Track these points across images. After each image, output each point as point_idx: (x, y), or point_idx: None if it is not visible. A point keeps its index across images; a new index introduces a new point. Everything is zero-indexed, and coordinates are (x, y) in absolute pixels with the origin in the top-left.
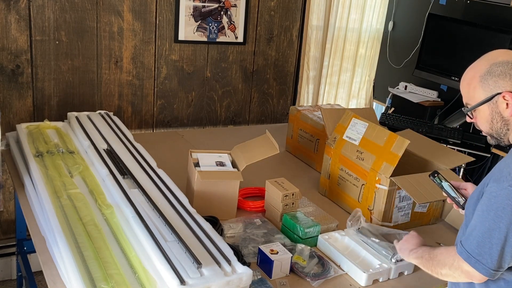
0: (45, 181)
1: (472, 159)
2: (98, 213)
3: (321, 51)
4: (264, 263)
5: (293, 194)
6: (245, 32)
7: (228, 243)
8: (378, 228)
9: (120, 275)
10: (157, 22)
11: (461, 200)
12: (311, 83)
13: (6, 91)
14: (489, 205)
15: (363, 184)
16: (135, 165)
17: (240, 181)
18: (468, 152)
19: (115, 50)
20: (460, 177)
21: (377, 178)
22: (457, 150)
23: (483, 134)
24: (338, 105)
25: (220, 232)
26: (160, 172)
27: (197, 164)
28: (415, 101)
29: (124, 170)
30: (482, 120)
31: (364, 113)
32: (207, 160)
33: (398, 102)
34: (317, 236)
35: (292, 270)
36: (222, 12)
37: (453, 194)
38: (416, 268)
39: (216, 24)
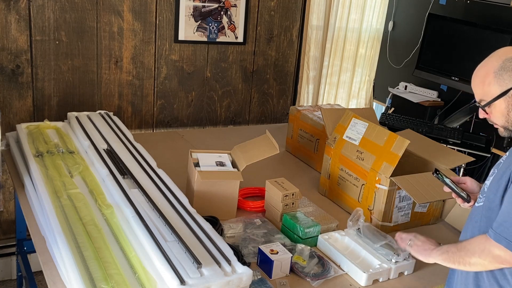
0: (45, 181)
1: (472, 159)
2: (98, 213)
3: (321, 51)
4: (264, 263)
5: (293, 194)
6: (245, 32)
7: (228, 243)
8: (375, 231)
9: (120, 275)
10: (157, 22)
11: (465, 194)
12: (311, 83)
13: (6, 91)
14: None
15: (363, 184)
16: (135, 165)
17: (240, 181)
18: (468, 152)
19: (115, 50)
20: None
21: (377, 178)
22: (457, 150)
23: (497, 127)
24: (338, 105)
25: (220, 232)
26: (160, 172)
27: (197, 164)
28: (415, 101)
29: (124, 170)
30: (498, 114)
31: (364, 113)
32: (207, 160)
33: (398, 102)
34: (317, 236)
35: (292, 270)
36: (222, 12)
37: (456, 189)
38: (416, 268)
39: (216, 24)
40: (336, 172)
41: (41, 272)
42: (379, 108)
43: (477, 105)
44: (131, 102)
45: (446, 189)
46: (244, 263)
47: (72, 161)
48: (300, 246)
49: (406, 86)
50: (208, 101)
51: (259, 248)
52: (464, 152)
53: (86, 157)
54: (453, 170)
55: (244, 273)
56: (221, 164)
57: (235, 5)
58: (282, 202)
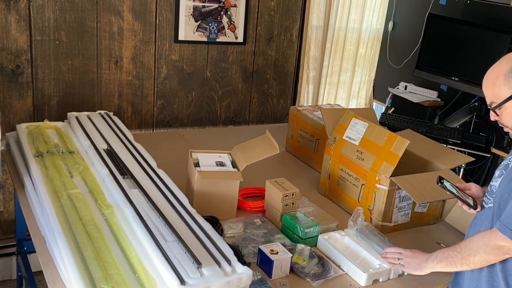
0: (45, 181)
1: (472, 159)
2: (98, 213)
3: (321, 51)
4: (264, 263)
5: (293, 194)
6: (245, 32)
7: (228, 243)
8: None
9: (120, 275)
10: (157, 22)
11: (471, 201)
12: (311, 83)
13: (6, 91)
14: None
15: (363, 184)
16: (135, 165)
17: (240, 181)
18: (468, 152)
19: (115, 50)
20: (460, 177)
21: (377, 178)
22: (457, 150)
23: (507, 130)
24: (338, 105)
25: (220, 232)
26: (160, 172)
27: (197, 164)
28: (415, 101)
29: (124, 170)
30: (509, 116)
31: (364, 113)
32: (207, 160)
33: (398, 102)
34: (317, 236)
35: (292, 270)
36: (222, 12)
37: (462, 197)
38: None
39: (216, 24)
40: (336, 172)
41: (41, 272)
42: (379, 108)
43: (488, 107)
44: (131, 102)
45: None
46: (244, 263)
47: (72, 161)
48: (300, 246)
49: (406, 86)
50: (208, 101)
51: (259, 248)
52: (464, 152)
53: (86, 157)
54: (453, 170)
55: (244, 273)
56: (221, 164)
57: (235, 5)
58: (282, 202)
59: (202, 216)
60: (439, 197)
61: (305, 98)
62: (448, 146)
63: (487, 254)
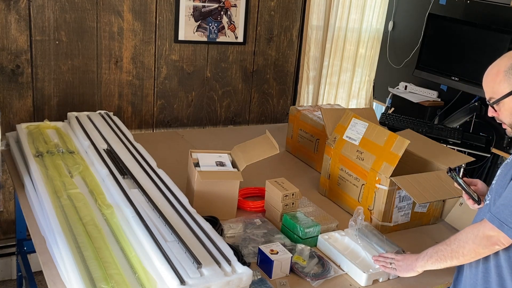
0: (45, 181)
1: (472, 159)
2: (98, 213)
3: (321, 51)
4: (264, 263)
5: (293, 194)
6: (245, 32)
7: (228, 243)
8: (374, 232)
9: (120, 275)
10: (157, 22)
11: (476, 196)
12: (311, 83)
13: (6, 91)
14: None
15: (363, 184)
16: (135, 165)
17: (240, 181)
18: (468, 152)
19: (115, 50)
20: (460, 177)
21: (377, 178)
22: (457, 150)
23: (505, 127)
24: (338, 105)
25: (220, 232)
26: (160, 172)
27: (197, 164)
28: (415, 101)
29: (124, 170)
30: (506, 112)
31: (364, 113)
32: (207, 160)
33: (398, 102)
34: (317, 236)
35: (292, 270)
36: (222, 12)
37: (468, 190)
38: None
39: (216, 24)
40: (336, 172)
41: (41, 272)
42: (379, 108)
43: (487, 103)
44: (131, 102)
45: (457, 186)
46: (244, 263)
47: (72, 161)
48: (300, 246)
49: (406, 86)
50: (208, 101)
51: (259, 248)
52: (464, 152)
53: (86, 157)
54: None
55: (244, 273)
56: (221, 164)
57: (235, 5)
58: (282, 202)
59: (202, 216)
60: (439, 197)
61: (305, 98)
62: (448, 146)
63: (476, 245)
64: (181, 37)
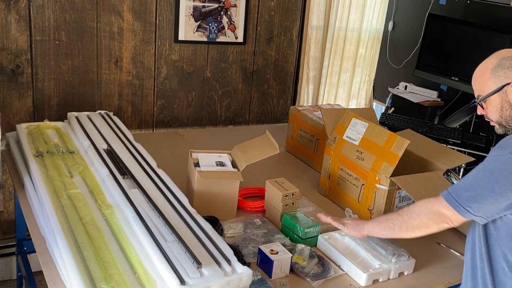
0: (45, 181)
1: (472, 159)
2: (98, 213)
3: (321, 51)
4: (264, 263)
5: (293, 194)
6: (245, 32)
7: (228, 243)
8: None
9: (120, 275)
10: (157, 22)
11: None
12: (311, 83)
13: (6, 91)
14: (486, 166)
15: (363, 184)
16: (135, 165)
17: (240, 181)
18: (468, 152)
19: (115, 50)
20: (460, 177)
21: (377, 178)
22: (457, 150)
23: (493, 124)
24: (338, 105)
25: (220, 232)
26: (160, 172)
27: (197, 164)
28: (415, 101)
29: (124, 170)
30: (493, 109)
31: (364, 113)
32: (207, 160)
33: (398, 102)
34: (317, 236)
35: (292, 270)
36: (222, 12)
37: None
38: (416, 268)
39: (216, 24)
40: (336, 172)
41: (41, 272)
42: (379, 108)
43: (475, 100)
44: (131, 102)
45: None
46: (244, 263)
47: (72, 161)
48: (300, 246)
49: (406, 86)
50: (208, 101)
51: (259, 248)
52: (464, 152)
53: (86, 157)
54: (453, 170)
55: (244, 273)
56: (221, 164)
57: (235, 5)
58: (282, 202)
59: (202, 216)
60: None
61: (305, 98)
62: (448, 146)
63: (427, 219)
64: (181, 37)
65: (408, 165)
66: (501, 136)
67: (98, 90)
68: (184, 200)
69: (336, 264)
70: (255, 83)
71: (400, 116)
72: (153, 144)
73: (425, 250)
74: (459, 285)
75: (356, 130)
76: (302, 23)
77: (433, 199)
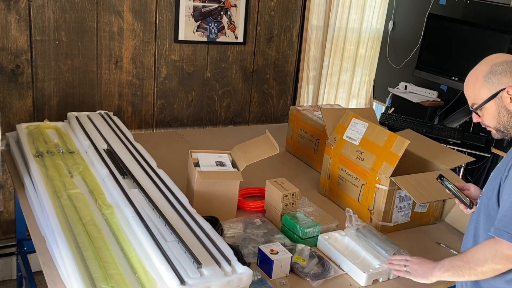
0: (45, 181)
1: (472, 159)
2: (98, 213)
3: (321, 51)
4: (264, 263)
5: (293, 194)
6: (245, 32)
7: (228, 243)
8: (373, 232)
9: (120, 275)
10: (157, 22)
11: (468, 200)
12: (311, 83)
13: (6, 91)
14: None
15: (363, 184)
16: (135, 165)
17: (240, 181)
18: (468, 152)
19: (115, 50)
20: (460, 177)
21: (377, 178)
22: (457, 150)
23: (489, 130)
24: (338, 105)
25: (220, 232)
26: (160, 172)
27: (197, 164)
28: (415, 101)
29: (124, 170)
30: (490, 116)
31: (364, 113)
32: (207, 160)
33: (398, 102)
34: (317, 236)
35: (292, 270)
36: (222, 12)
37: (460, 195)
38: None
39: (216, 24)
40: (336, 172)
41: (41, 272)
42: (379, 108)
43: (471, 109)
44: (131, 102)
45: (449, 192)
46: (244, 263)
47: (72, 161)
48: (300, 246)
49: (406, 86)
50: (208, 101)
51: (259, 248)
52: (464, 152)
53: (86, 157)
54: (453, 170)
55: (244, 273)
56: (221, 164)
57: (235, 5)
58: (282, 202)
59: (202, 216)
60: (439, 197)
61: (305, 98)
62: (448, 146)
63: (496, 264)
64: (181, 37)
65: (408, 165)
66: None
67: (98, 90)
68: (184, 200)
69: (336, 264)
70: (255, 83)
71: (400, 116)
72: (153, 144)
73: (425, 250)
74: None
75: (356, 130)
76: (302, 23)
77: (493, 242)
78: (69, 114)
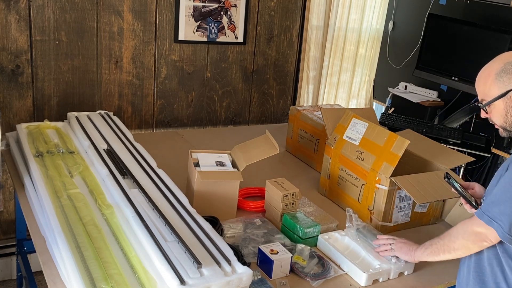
0: (45, 181)
1: (472, 159)
2: (98, 213)
3: (321, 51)
4: (264, 263)
5: (293, 194)
6: (245, 32)
7: (228, 243)
8: (373, 232)
9: (120, 275)
10: (157, 22)
11: (473, 201)
12: (311, 83)
13: (6, 91)
14: None
15: (363, 184)
16: (135, 165)
17: (240, 181)
18: (468, 152)
19: (115, 50)
20: (460, 177)
21: (377, 178)
22: (457, 150)
23: (497, 127)
24: (338, 105)
25: (220, 232)
26: (160, 172)
27: (197, 164)
28: (415, 101)
29: (124, 170)
30: (497, 114)
31: (364, 113)
32: (207, 160)
33: (398, 102)
34: (317, 236)
35: (292, 270)
36: (222, 12)
37: (465, 195)
38: (416, 268)
39: (216, 24)
40: (336, 172)
41: (41, 272)
42: (379, 108)
43: (479, 104)
44: (131, 102)
45: (454, 191)
46: (244, 263)
47: (72, 161)
48: (300, 246)
49: (406, 86)
50: (208, 101)
51: (259, 248)
52: (464, 152)
53: (86, 157)
54: (453, 170)
55: (244, 273)
56: (221, 164)
57: (235, 5)
58: (282, 202)
59: (202, 216)
60: (439, 197)
61: (305, 98)
62: (448, 146)
63: (465, 240)
64: (181, 37)
65: (408, 165)
66: (501, 137)
67: (98, 90)
68: (184, 200)
69: (336, 264)
70: (255, 83)
71: (400, 116)
72: (153, 144)
73: None
74: None
75: (356, 130)
76: (302, 23)
77: (468, 220)
78: (69, 114)
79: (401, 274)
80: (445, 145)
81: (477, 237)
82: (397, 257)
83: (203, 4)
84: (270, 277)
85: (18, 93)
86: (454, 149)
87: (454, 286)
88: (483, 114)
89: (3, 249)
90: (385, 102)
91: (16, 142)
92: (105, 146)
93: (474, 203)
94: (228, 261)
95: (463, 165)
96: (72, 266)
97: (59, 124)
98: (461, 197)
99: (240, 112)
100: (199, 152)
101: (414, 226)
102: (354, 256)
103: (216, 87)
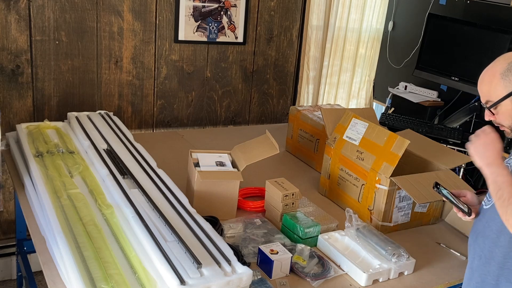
0: (45, 181)
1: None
2: (98, 213)
3: (321, 51)
4: (264, 263)
5: (293, 194)
6: (245, 32)
7: (228, 243)
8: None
9: (120, 275)
10: (157, 22)
11: (465, 208)
12: (311, 83)
13: (6, 91)
14: None
15: (363, 184)
16: (135, 165)
17: (240, 181)
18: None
19: (115, 50)
20: (460, 177)
21: (377, 178)
22: (457, 150)
23: (503, 129)
24: (338, 105)
25: (220, 232)
26: (160, 172)
27: (197, 164)
28: (415, 101)
29: (124, 170)
30: (505, 115)
31: (364, 113)
32: (207, 160)
33: (398, 102)
34: (317, 236)
35: (292, 270)
36: (222, 12)
37: (457, 203)
38: (416, 268)
39: (216, 24)
40: (336, 172)
41: (41, 272)
42: (379, 108)
43: (484, 106)
44: (131, 102)
45: (446, 200)
46: (244, 263)
47: (72, 161)
48: (300, 246)
49: (406, 86)
50: (208, 101)
51: (259, 248)
52: (464, 152)
53: (86, 157)
54: (453, 170)
55: (244, 273)
56: (221, 164)
57: (235, 5)
58: (282, 202)
59: (202, 216)
60: (439, 197)
61: (305, 98)
62: (448, 146)
63: None
64: (181, 37)
65: (408, 165)
66: (501, 137)
67: (98, 90)
68: (184, 200)
69: (336, 264)
70: (255, 83)
71: (400, 116)
72: (153, 144)
73: (425, 250)
74: (459, 285)
75: (356, 130)
76: (302, 23)
77: None
78: (69, 114)
79: (401, 274)
80: (445, 145)
81: None
82: (397, 257)
83: (203, 4)
84: (270, 277)
85: (18, 93)
86: (454, 149)
87: (454, 286)
88: (488, 116)
89: (3, 249)
90: (385, 102)
91: (16, 142)
92: (105, 146)
93: (467, 211)
94: (228, 261)
95: (463, 165)
96: (72, 266)
97: (59, 124)
98: (453, 206)
99: (240, 112)
100: (199, 152)
101: (414, 226)
102: (354, 256)
103: (216, 87)
